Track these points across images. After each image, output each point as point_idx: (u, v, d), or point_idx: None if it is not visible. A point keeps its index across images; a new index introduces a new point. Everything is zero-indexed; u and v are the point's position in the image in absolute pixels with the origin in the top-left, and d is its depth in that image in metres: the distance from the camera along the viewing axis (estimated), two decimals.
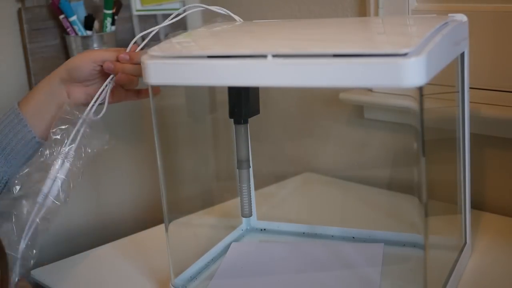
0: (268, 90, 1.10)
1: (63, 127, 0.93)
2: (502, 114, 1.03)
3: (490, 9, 1.06)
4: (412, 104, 0.70)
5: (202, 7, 0.97)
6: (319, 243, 1.00)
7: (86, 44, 1.29)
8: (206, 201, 1.21)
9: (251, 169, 0.98)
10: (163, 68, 0.78)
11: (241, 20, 0.97)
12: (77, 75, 0.95)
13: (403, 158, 1.17)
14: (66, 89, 0.96)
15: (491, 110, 1.04)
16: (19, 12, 1.29)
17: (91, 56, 0.95)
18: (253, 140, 0.99)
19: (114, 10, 1.32)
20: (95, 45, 1.30)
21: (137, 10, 1.42)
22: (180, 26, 1.49)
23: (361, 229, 1.00)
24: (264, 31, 0.89)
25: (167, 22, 0.96)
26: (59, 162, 0.91)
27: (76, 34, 1.29)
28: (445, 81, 0.83)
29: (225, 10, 0.96)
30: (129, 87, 0.97)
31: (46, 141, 0.94)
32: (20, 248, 0.87)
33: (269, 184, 1.28)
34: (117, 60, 0.94)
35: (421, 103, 0.70)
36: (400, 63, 0.65)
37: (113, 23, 1.32)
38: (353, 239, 1.00)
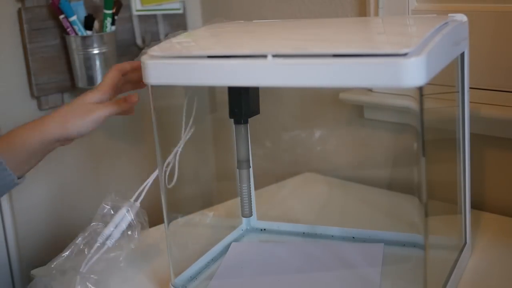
0: (268, 90, 1.10)
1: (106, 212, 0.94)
2: (502, 114, 1.03)
3: (490, 9, 1.06)
4: (412, 104, 0.70)
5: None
6: (319, 243, 1.00)
7: (86, 44, 1.29)
8: (206, 201, 1.21)
9: (251, 169, 0.98)
10: (163, 68, 0.78)
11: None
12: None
13: (403, 158, 1.17)
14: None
15: (491, 110, 1.04)
16: (19, 12, 1.29)
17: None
18: (253, 140, 0.99)
19: (114, 10, 1.32)
20: (95, 45, 1.30)
21: (137, 10, 1.42)
22: (180, 26, 1.49)
23: (361, 229, 1.00)
24: (264, 31, 0.89)
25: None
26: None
27: (76, 34, 1.29)
28: (445, 81, 0.83)
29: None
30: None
31: None
32: None
33: (269, 184, 1.28)
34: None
35: (421, 103, 0.70)
36: (400, 63, 0.65)
37: (113, 23, 1.32)
38: (353, 239, 1.00)
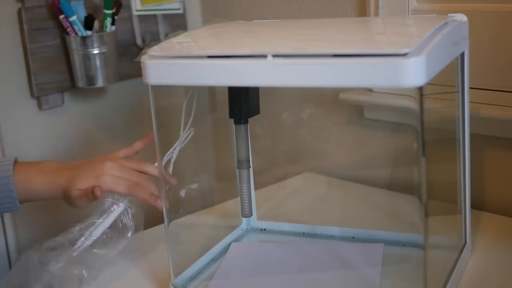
0: (268, 90, 1.10)
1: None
2: (502, 114, 1.03)
3: (490, 9, 1.06)
4: (412, 104, 0.70)
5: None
6: (319, 243, 1.00)
7: (86, 44, 1.29)
8: (206, 201, 1.21)
9: (251, 169, 0.98)
10: (163, 68, 0.78)
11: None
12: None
13: (403, 158, 1.17)
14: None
15: (491, 110, 1.04)
16: (19, 12, 1.29)
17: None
18: (253, 140, 0.99)
19: (114, 10, 1.32)
20: (95, 45, 1.30)
21: (137, 10, 1.42)
22: (180, 26, 1.49)
23: (361, 229, 1.00)
24: (264, 31, 0.89)
25: None
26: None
27: (76, 34, 1.29)
28: (445, 81, 0.83)
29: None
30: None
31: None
32: None
33: (269, 184, 1.28)
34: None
35: (421, 103, 0.70)
36: (400, 63, 0.65)
37: (113, 23, 1.32)
38: (353, 239, 1.00)
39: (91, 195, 0.94)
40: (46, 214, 1.36)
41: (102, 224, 0.95)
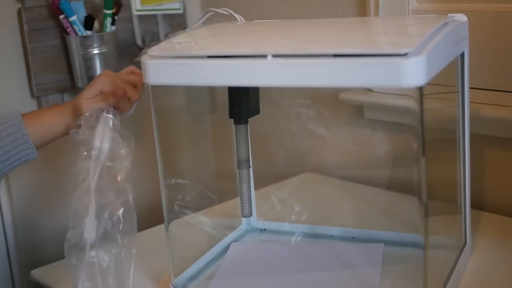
0: (268, 90, 1.10)
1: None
2: (502, 114, 1.03)
3: (490, 9, 1.06)
4: (412, 104, 0.70)
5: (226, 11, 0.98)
6: (319, 243, 1.00)
7: (86, 44, 1.29)
8: (206, 201, 1.21)
9: (251, 169, 0.98)
10: (163, 68, 0.78)
11: (242, 19, 0.97)
12: None
13: (403, 158, 1.17)
14: None
15: (491, 110, 1.04)
16: (19, 12, 1.29)
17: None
18: (253, 140, 0.99)
19: (114, 10, 1.32)
20: (95, 45, 1.30)
21: (137, 10, 1.42)
22: (180, 26, 1.49)
23: (361, 229, 1.00)
24: (264, 31, 0.89)
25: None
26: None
27: (76, 34, 1.29)
28: (445, 81, 0.83)
29: (229, 10, 0.97)
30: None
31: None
32: None
33: (269, 184, 1.28)
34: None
35: (421, 103, 0.70)
36: (400, 63, 0.65)
37: (113, 23, 1.32)
38: (353, 239, 1.00)
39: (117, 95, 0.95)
40: (46, 214, 1.36)
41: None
